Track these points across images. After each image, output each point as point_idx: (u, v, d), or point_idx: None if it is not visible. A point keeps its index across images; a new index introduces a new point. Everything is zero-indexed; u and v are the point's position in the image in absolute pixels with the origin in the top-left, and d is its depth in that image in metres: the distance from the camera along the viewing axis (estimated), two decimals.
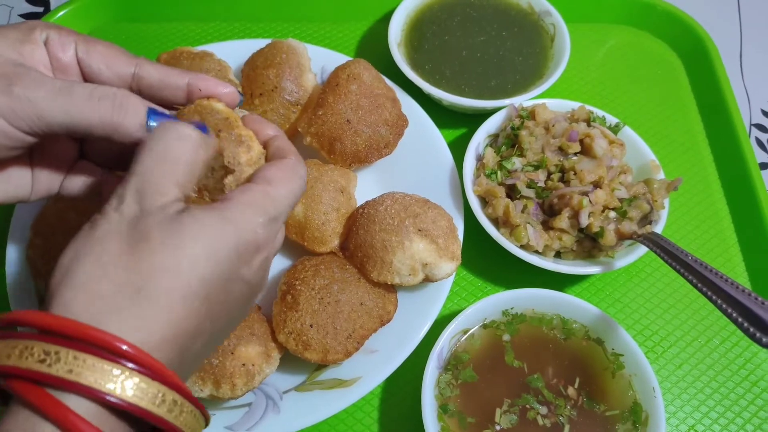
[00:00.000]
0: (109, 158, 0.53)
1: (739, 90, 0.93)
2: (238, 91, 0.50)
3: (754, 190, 0.79)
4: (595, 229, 0.66)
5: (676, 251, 0.60)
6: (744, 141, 0.82)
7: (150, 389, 0.35)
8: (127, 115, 0.44)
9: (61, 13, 0.89)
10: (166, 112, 0.46)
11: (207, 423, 0.40)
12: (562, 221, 0.67)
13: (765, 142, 0.89)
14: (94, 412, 0.34)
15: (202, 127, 0.45)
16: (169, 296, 0.37)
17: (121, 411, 0.35)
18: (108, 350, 0.35)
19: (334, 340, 0.60)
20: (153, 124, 0.44)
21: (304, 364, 0.63)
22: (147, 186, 0.40)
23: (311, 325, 0.60)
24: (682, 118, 0.89)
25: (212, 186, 0.47)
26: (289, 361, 0.63)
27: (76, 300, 0.36)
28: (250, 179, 0.45)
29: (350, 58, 0.79)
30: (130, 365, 0.35)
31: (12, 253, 0.67)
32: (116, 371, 0.34)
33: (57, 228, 0.63)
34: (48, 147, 0.51)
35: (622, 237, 0.66)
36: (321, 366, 0.64)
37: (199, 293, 0.38)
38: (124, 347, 0.34)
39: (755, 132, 0.90)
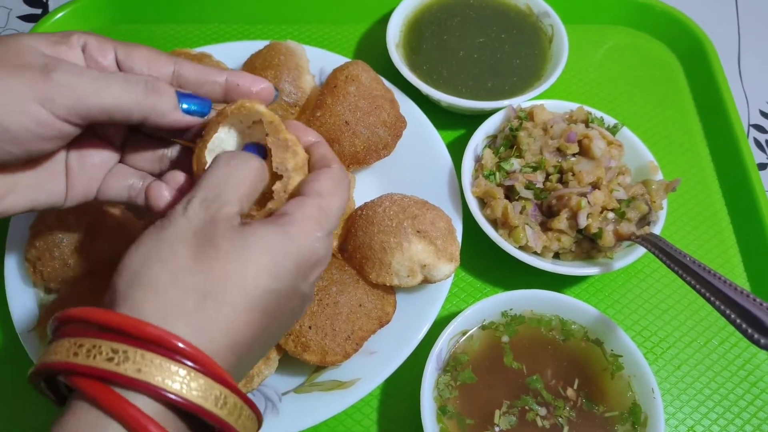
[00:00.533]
0: (148, 161, 0.53)
1: (738, 91, 0.93)
2: (275, 87, 0.51)
3: (752, 190, 0.79)
4: (594, 230, 0.66)
5: (674, 252, 0.60)
6: (742, 142, 0.82)
7: (213, 391, 0.36)
8: (161, 96, 0.46)
9: (59, 15, 0.89)
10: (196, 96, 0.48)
11: (260, 426, 0.41)
12: (561, 222, 0.67)
13: (763, 143, 0.89)
14: (159, 411, 0.35)
15: (261, 148, 0.47)
16: (233, 305, 0.38)
17: (183, 411, 0.36)
18: (174, 351, 0.35)
19: (332, 342, 0.60)
20: (185, 106, 0.47)
21: (302, 365, 0.63)
22: (215, 196, 0.42)
23: (310, 327, 0.60)
24: (681, 118, 0.89)
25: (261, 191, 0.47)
26: (288, 362, 0.63)
27: (146, 302, 0.37)
28: (299, 190, 0.45)
29: (349, 60, 0.79)
30: (196, 367, 0.36)
31: (11, 254, 0.67)
32: (182, 372, 0.35)
33: (56, 230, 0.63)
34: (85, 149, 0.51)
35: (620, 238, 0.66)
36: (320, 367, 0.64)
37: (260, 305, 0.40)
38: (190, 350, 0.35)
39: (754, 133, 0.90)
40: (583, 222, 0.66)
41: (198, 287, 0.38)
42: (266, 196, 0.46)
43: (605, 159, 0.70)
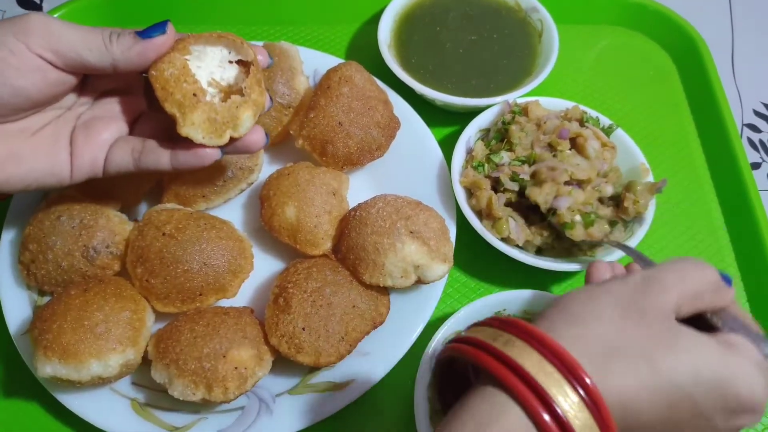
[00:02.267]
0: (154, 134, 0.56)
1: (731, 90, 0.93)
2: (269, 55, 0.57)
3: (745, 189, 0.79)
4: (565, 219, 0.66)
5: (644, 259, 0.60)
6: (736, 141, 0.82)
7: (593, 429, 0.37)
8: (121, 36, 0.50)
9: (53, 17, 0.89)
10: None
11: None
12: (542, 193, 0.67)
13: (757, 142, 0.89)
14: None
15: None
16: (640, 375, 0.39)
17: None
18: (575, 378, 0.38)
19: (326, 343, 0.60)
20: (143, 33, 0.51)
21: (296, 367, 0.63)
22: (657, 279, 0.43)
23: (303, 328, 0.60)
24: (675, 118, 0.89)
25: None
26: (282, 364, 0.63)
27: (566, 331, 0.41)
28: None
29: (342, 61, 0.79)
30: (587, 400, 0.38)
31: (4, 257, 0.67)
32: (575, 398, 0.38)
33: (49, 233, 0.63)
34: (93, 126, 0.53)
35: (591, 238, 0.66)
36: (314, 369, 0.64)
37: (668, 396, 0.40)
38: (590, 383, 0.38)
39: (747, 132, 0.90)
40: (563, 205, 0.66)
41: (612, 340, 0.40)
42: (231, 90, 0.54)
43: (598, 161, 0.70)
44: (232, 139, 0.55)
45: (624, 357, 0.40)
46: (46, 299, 0.65)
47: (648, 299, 0.42)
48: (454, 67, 0.84)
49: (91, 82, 0.56)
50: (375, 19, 0.87)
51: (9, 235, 0.68)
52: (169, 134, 0.55)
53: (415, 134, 0.77)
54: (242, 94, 0.54)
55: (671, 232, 0.79)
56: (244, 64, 0.56)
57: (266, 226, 0.68)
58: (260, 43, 0.80)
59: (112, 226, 0.65)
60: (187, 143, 0.54)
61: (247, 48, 0.56)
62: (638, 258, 0.58)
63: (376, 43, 0.83)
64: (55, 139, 0.52)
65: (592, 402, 0.37)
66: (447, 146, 0.76)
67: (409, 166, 0.76)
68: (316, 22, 0.94)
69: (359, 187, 0.74)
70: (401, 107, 0.78)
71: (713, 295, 0.45)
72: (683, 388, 0.40)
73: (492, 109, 0.78)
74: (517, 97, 0.78)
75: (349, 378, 0.63)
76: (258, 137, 0.57)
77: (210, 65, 0.55)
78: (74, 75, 0.51)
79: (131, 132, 0.57)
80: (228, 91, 0.56)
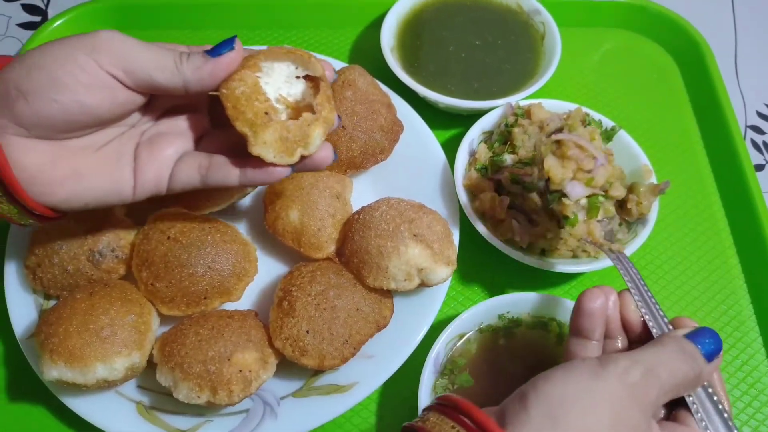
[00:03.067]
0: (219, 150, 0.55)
1: (735, 92, 0.93)
2: (335, 70, 0.56)
3: (749, 191, 0.79)
4: (568, 213, 0.64)
5: (636, 280, 0.56)
6: (739, 143, 0.82)
7: None
8: (192, 57, 0.49)
9: (58, 22, 0.90)
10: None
11: None
12: (562, 170, 0.62)
13: (760, 144, 0.89)
14: None
15: None
16: None
17: None
18: None
19: (330, 346, 0.61)
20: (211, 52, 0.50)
21: (301, 369, 0.63)
22: (654, 373, 0.43)
23: (308, 331, 0.60)
24: (678, 120, 0.89)
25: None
26: (286, 367, 0.63)
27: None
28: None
29: (345, 65, 0.79)
30: None
31: (11, 261, 0.67)
32: None
33: (56, 237, 0.63)
34: (157, 143, 0.53)
35: (592, 238, 0.66)
36: (318, 372, 0.64)
37: None
38: None
39: (750, 134, 0.90)
40: (576, 193, 0.62)
41: None
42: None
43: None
44: (302, 157, 0.54)
45: None
46: (51, 303, 0.66)
47: (643, 405, 0.42)
48: (457, 70, 0.84)
49: (156, 99, 0.54)
50: (378, 23, 0.87)
51: (15, 239, 0.68)
52: (235, 151, 0.54)
53: (418, 137, 0.78)
54: (311, 111, 0.53)
55: (675, 233, 0.79)
56: (311, 79, 0.55)
57: (270, 230, 0.69)
58: (264, 48, 0.81)
59: (117, 230, 0.65)
60: (257, 160, 0.52)
61: (315, 63, 0.54)
62: (634, 286, 0.55)
63: (378, 46, 0.83)
64: (118, 156, 0.51)
65: None
66: (450, 149, 0.76)
67: (413, 169, 0.76)
68: (320, 26, 0.95)
69: (363, 191, 0.75)
70: (404, 110, 0.79)
71: (693, 385, 0.45)
72: None
73: (495, 111, 0.78)
74: (519, 99, 0.78)
75: (353, 381, 0.63)
76: (327, 154, 0.55)
77: (278, 81, 0.54)
78: (143, 94, 0.50)
79: (195, 149, 0.56)
80: (295, 108, 0.54)
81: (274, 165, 0.53)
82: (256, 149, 0.51)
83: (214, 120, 0.58)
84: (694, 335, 0.47)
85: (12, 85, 0.45)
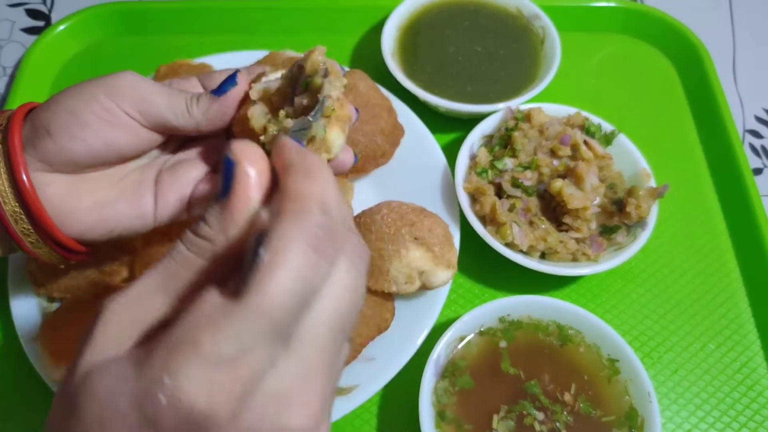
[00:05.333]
0: None
1: (733, 96, 0.94)
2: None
3: (747, 195, 0.79)
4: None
5: None
6: (738, 147, 0.83)
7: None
8: (201, 99, 0.50)
9: (61, 27, 0.91)
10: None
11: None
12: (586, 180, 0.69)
13: (759, 148, 0.89)
14: None
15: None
16: None
17: None
18: None
19: None
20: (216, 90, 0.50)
21: None
22: None
23: None
24: (677, 124, 0.89)
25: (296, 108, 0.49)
26: None
27: None
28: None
29: (347, 69, 0.80)
30: None
31: (14, 263, 0.68)
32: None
33: None
34: (179, 170, 0.53)
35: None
36: None
37: None
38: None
39: (749, 138, 0.90)
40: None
41: None
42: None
43: (593, 194, 0.70)
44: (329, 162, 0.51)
45: None
46: (55, 306, 0.66)
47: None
48: (457, 75, 0.84)
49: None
50: (378, 28, 0.87)
51: None
52: None
53: (419, 141, 0.78)
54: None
55: (674, 236, 0.79)
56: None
57: None
58: (265, 53, 0.81)
59: None
60: None
61: (315, 61, 0.49)
62: None
63: (379, 51, 0.84)
64: (139, 183, 0.52)
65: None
66: (450, 153, 0.77)
67: (413, 173, 0.76)
68: (321, 31, 0.95)
69: (364, 194, 0.75)
70: (405, 114, 0.79)
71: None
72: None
73: (495, 115, 0.78)
74: (519, 103, 0.79)
75: (354, 383, 0.63)
76: (347, 157, 0.54)
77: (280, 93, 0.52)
78: (161, 133, 0.52)
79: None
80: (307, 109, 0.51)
81: None
82: None
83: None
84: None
85: (41, 125, 0.47)
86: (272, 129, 0.48)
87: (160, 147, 0.55)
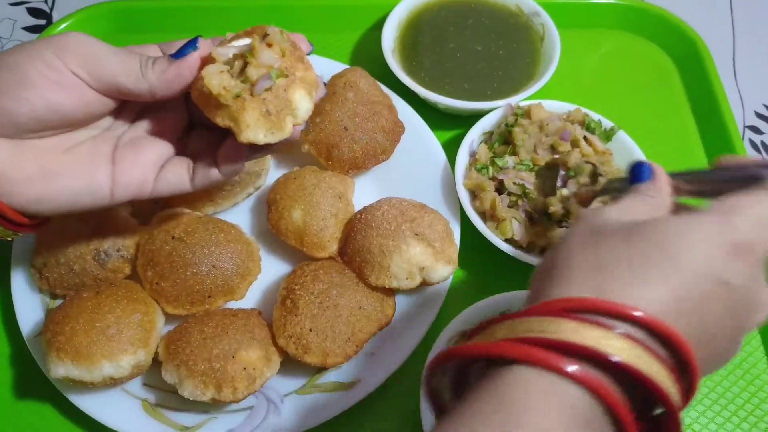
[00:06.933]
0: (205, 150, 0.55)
1: (733, 92, 0.94)
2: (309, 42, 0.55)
3: None
4: (560, 212, 0.68)
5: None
6: (737, 143, 0.83)
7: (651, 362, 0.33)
8: (156, 62, 0.49)
9: (63, 25, 0.91)
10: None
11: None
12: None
13: (759, 144, 0.90)
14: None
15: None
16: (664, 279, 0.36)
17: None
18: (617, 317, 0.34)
19: (333, 344, 0.61)
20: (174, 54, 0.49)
21: (304, 367, 0.64)
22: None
23: (311, 329, 0.61)
24: (676, 120, 0.90)
25: (258, 77, 0.48)
26: (290, 364, 0.64)
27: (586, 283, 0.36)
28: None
29: (347, 67, 0.80)
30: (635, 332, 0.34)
31: (17, 261, 0.68)
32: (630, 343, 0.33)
33: (61, 237, 0.64)
34: (140, 146, 0.52)
35: (586, 200, 0.67)
36: (321, 369, 0.65)
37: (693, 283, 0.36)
38: (637, 313, 0.34)
39: (749, 134, 0.91)
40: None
41: (626, 258, 0.36)
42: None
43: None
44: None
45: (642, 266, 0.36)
46: (58, 302, 0.67)
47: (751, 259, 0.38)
48: (457, 72, 0.85)
49: (129, 102, 0.53)
50: (379, 26, 0.88)
51: (21, 239, 0.69)
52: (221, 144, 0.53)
53: (420, 138, 0.79)
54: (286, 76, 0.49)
55: None
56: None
57: (273, 230, 0.69)
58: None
59: (122, 230, 0.66)
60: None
61: (275, 33, 0.50)
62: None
63: (380, 49, 0.84)
64: (91, 157, 0.50)
65: (648, 330, 0.33)
66: (451, 149, 0.77)
67: (414, 170, 0.77)
68: (321, 29, 0.95)
69: (365, 191, 0.75)
70: (405, 112, 0.79)
71: None
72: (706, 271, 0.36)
73: (495, 112, 0.79)
74: (519, 100, 0.79)
75: (356, 378, 0.64)
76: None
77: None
78: (112, 98, 0.50)
79: (182, 148, 0.55)
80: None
81: (269, 146, 0.50)
82: (243, 136, 0.48)
83: (196, 114, 0.56)
84: None
85: None
86: (234, 88, 0.48)
87: (113, 116, 0.53)
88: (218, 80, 0.48)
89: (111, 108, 0.50)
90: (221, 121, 0.49)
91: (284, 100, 0.49)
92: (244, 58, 0.49)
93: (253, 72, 0.48)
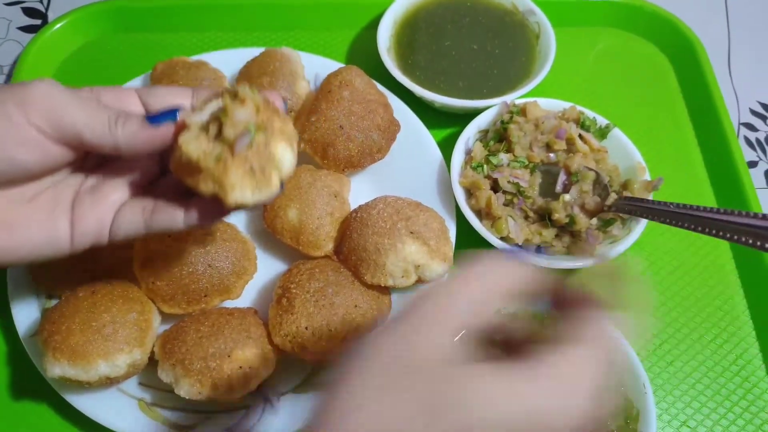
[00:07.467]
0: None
1: (728, 89, 0.94)
2: (283, 99, 0.51)
3: (742, 188, 0.80)
4: (563, 221, 0.68)
5: (656, 206, 0.62)
6: (732, 140, 0.83)
7: None
8: (128, 121, 0.46)
9: (58, 25, 0.91)
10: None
11: None
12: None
13: (753, 141, 0.90)
14: None
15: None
16: None
17: None
18: None
19: (329, 342, 0.61)
20: (152, 119, 0.47)
21: (300, 366, 0.64)
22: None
23: (306, 328, 0.61)
24: (672, 118, 0.90)
25: (236, 135, 0.46)
26: (286, 363, 0.64)
27: None
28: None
29: (342, 65, 0.80)
30: None
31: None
32: None
33: None
34: (99, 192, 0.50)
35: (593, 214, 0.67)
36: (317, 367, 0.65)
37: None
38: None
39: (744, 131, 0.91)
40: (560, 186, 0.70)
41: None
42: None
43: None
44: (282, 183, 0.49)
45: None
46: (54, 302, 0.66)
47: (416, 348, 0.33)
48: (453, 71, 0.85)
49: None
50: (374, 24, 0.88)
51: None
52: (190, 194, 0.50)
53: (415, 136, 0.79)
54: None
55: (669, 229, 0.79)
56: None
57: (269, 228, 0.70)
58: (262, 49, 0.82)
59: None
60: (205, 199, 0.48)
61: (244, 91, 0.47)
62: (646, 210, 0.55)
63: (375, 47, 0.84)
64: (53, 205, 0.48)
65: None
66: (446, 148, 0.77)
67: (409, 168, 0.77)
68: (317, 28, 0.96)
69: (360, 189, 0.76)
70: (401, 110, 0.80)
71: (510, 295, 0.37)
72: None
73: (490, 110, 0.79)
74: (515, 98, 0.79)
75: None
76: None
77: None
78: (76, 150, 0.47)
79: (150, 193, 0.52)
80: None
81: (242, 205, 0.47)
82: (231, 198, 0.46)
83: (165, 162, 0.53)
84: None
85: None
86: (214, 150, 0.45)
87: (77, 161, 0.50)
88: (196, 145, 0.46)
89: (73, 159, 0.48)
90: (205, 187, 0.46)
91: (267, 155, 0.46)
92: (219, 120, 0.46)
93: (230, 131, 0.45)
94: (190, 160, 0.46)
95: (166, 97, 0.50)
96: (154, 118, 0.47)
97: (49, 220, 0.48)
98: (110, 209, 0.50)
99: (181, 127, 0.47)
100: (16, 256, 0.47)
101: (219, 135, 0.46)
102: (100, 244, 0.50)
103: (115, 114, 0.46)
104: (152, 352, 0.61)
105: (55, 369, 0.57)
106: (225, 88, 0.49)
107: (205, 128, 0.47)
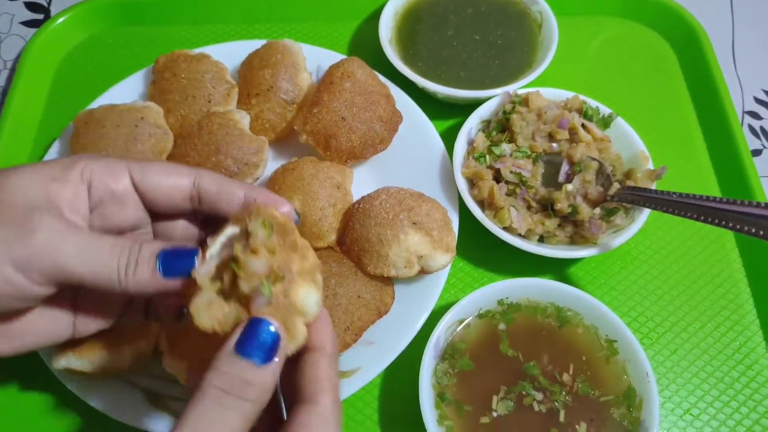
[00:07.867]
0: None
1: (732, 78, 0.94)
2: (295, 210, 0.48)
3: (746, 176, 0.79)
4: (566, 210, 0.68)
5: (659, 195, 0.63)
6: (736, 128, 0.83)
7: None
8: (138, 268, 0.43)
9: (60, 19, 0.91)
10: (186, 247, 0.45)
11: None
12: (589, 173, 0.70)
13: (758, 129, 0.89)
14: None
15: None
16: None
17: None
18: None
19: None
20: (163, 271, 0.44)
21: None
22: None
23: None
24: (676, 106, 0.89)
25: (251, 291, 0.41)
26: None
27: None
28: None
29: (344, 57, 0.80)
30: None
31: None
32: None
33: None
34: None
35: (595, 203, 0.67)
36: None
37: None
38: None
39: (748, 119, 0.90)
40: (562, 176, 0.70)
41: None
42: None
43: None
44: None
45: None
46: None
47: None
48: (455, 61, 0.85)
49: None
50: (376, 16, 0.88)
51: None
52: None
53: (417, 127, 0.79)
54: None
55: (672, 218, 0.79)
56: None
57: None
58: (264, 41, 0.82)
59: None
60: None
61: (258, 229, 0.42)
62: (648, 200, 0.60)
63: (377, 38, 0.84)
64: (55, 311, 0.48)
65: None
66: (448, 138, 0.77)
67: (412, 159, 0.77)
68: (319, 20, 0.96)
69: (363, 180, 0.76)
70: (403, 101, 0.79)
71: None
72: None
73: (493, 100, 0.79)
74: (517, 88, 0.79)
75: (355, 366, 0.64)
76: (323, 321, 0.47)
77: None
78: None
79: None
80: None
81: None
82: None
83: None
84: (242, 346, 0.39)
85: None
86: (229, 315, 0.42)
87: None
88: (208, 314, 0.42)
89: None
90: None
91: (288, 306, 0.42)
92: (232, 269, 0.42)
93: (244, 285, 0.41)
94: (215, 322, 0.42)
95: (161, 179, 0.47)
96: (168, 267, 0.44)
97: (52, 324, 0.49)
98: (114, 309, 0.51)
99: (189, 283, 0.44)
100: (24, 350, 0.48)
101: (233, 283, 0.42)
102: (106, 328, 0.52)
103: (125, 260, 0.43)
104: (157, 343, 0.62)
105: (61, 361, 0.58)
106: (235, 216, 0.45)
107: (218, 275, 0.43)
